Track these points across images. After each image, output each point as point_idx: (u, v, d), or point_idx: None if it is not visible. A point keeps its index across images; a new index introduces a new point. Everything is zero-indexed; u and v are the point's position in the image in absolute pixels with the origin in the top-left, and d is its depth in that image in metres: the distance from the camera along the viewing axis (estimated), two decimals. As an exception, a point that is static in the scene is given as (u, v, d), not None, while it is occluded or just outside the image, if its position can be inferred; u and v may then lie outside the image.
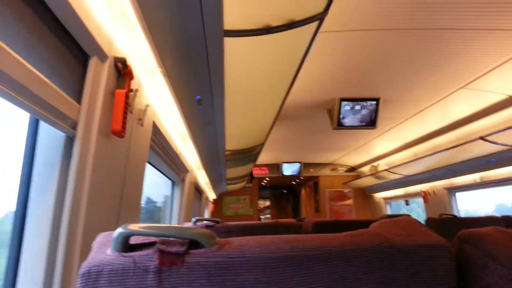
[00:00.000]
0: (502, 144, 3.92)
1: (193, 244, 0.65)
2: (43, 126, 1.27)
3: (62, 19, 1.15)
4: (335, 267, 0.66)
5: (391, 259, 0.68)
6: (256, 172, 9.63)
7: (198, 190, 5.78)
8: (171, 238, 0.65)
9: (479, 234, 0.75)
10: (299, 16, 1.52)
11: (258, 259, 0.64)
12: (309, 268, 0.65)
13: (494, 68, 3.03)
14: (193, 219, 2.34)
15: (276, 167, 9.62)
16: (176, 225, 0.67)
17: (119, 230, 0.64)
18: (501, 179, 4.77)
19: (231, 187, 8.51)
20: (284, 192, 17.24)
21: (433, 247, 0.69)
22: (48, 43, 1.15)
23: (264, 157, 8.33)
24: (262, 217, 18.87)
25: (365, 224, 0.86)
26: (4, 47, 0.89)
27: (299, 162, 9.36)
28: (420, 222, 0.78)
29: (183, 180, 4.12)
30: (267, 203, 19.32)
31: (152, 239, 0.67)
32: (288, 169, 9.52)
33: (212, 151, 3.74)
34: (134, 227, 0.63)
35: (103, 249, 0.66)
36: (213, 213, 9.63)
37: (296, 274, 0.65)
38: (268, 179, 11.40)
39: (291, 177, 10.23)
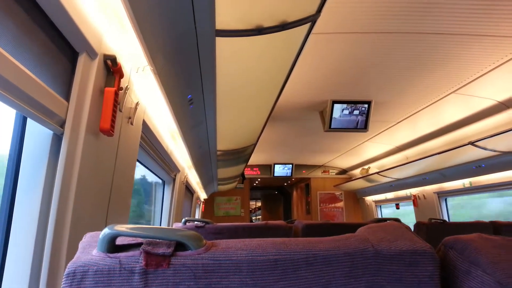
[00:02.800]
0: (492, 150, 3.95)
1: (180, 246, 0.65)
2: (31, 123, 1.26)
3: (50, 15, 1.14)
4: (320, 271, 0.66)
5: (376, 264, 0.68)
6: (248, 173, 9.63)
7: (189, 190, 5.77)
8: (157, 240, 0.65)
9: (463, 240, 0.75)
10: (291, 18, 1.52)
11: (244, 262, 0.64)
12: (295, 271, 0.65)
13: (484, 74, 3.06)
14: (183, 220, 2.33)
15: (268, 168, 9.63)
16: (163, 227, 0.66)
17: (106, 230, 0.63)
18: (490, 185, 4.81)
19: (223, 187, 8.50)
20: (276, 193, 17.26)
21: (418, 253, 0.69)
22: (36, 39, 1.13)
23: (256, 158, 8.34)
24: (253, 218, 18.90)
25: (355, 227, 0.86)
26: (-10, 42, 0.88)
27: (291, 164, 9.39)
28: (407, 227, 0.79)
29: (173, 180, 4.10)
30: (259, 204, 19.35)
31: (139, 240, 0.67)
32: (280, 170, 9.54)
33: (203, 150, 3.73)
34: (121, 227, 0.62)
35: (89, 250, 0.66)
36: (204, 213, 9.61)
37: (282, 278, 0.64)
38: (259, 179, 11.41)
39: (283, 178, 10.26)
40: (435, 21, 2.37)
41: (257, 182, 12.30)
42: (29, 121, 1.25)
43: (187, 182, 4.75)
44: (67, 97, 1.30)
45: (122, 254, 0.63)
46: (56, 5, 1.09)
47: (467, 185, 5.20)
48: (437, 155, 4.65)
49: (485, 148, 3.94)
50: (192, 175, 5.26)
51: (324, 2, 1.49)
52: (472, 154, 4.27)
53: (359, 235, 0.74)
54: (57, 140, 1.28)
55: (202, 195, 8.07)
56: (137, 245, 0.65)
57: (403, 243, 0.71)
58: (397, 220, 2.58)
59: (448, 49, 2.73)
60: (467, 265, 0.71)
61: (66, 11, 1.13)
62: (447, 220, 5.74)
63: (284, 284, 0.64)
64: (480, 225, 2.93)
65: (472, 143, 3.90)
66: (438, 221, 3.00)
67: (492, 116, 3.76)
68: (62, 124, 1.28)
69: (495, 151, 3.97)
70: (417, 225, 3.00)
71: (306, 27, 1.64)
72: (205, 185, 6.58)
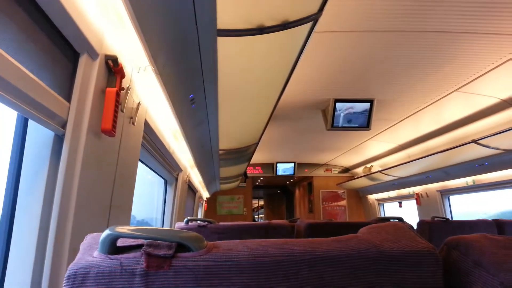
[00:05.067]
0: (495, 148, 3.94)
1: (181, 247, 0.65)
2: (32, 124, 1.26)
3: (51, 16, 1.13)
4: (322, 272, 0.66)
5: (378, 265, 0.68)
6: (250, 172, 9.63)
7: (191, 189, 5.77)
8: (159, 241, 0.65)
9: (467, 240, 0.75)
10: (293, 17, 1.51)
11: (245, 263, 0.64)
12: (297, 272, 0.65)
13: (487, 72, 3.05)
14: (186, 219, 2.32)
15: (271, 166, 9.63)
16: (164, 228, 0.66)
17: (107, 232, 0.63)
18: (494, 183, 4.79)
19: (225, 186, 8.51)
20: (278, 192, 17.27)
21: (421, 254, 0.69)
22: (37, 40, 1.13)
23: (258, 157, 8.34)
24: (256, 216, 18.92)
25: (358, 226, 0.86)
26: (-10, 44, 0.88)
27: (294, 162, 9.38)
28: (409, 228, 0.78)
29: (176, 179, 4.10)
30: (261, 202, 19.37)
31: (140, 241, 0.66)
32: (283, 169, 9.53)
33: (205, 150, 3.73)
34: (122, 229, 0.62)
35: (90, 251, 0.65)
36: (207, 212, 9.62)
37: (283, 279, 0.64)
38: (262, 178, 11.41)
39: (286, 177, 10.26)
40: (437, 20, 2.36)
41: (259, 181, 12.31)
42: (30, 122, 1.25)
43: (189, 181, 4.75)
44: (68, 98, 1.30)
45: (123, 256, 0.63)
46: (56, 6, 1.09)
47: (470, 183, 5.18)
48: (440, 153, 4.64)
49: (488, 146, 3.92)
50: (194, 174, 5.26)
51: (326, 1, 1.48)
52: (475, 152, 4.26)
53: (361, 236, 0.74)
54: (58, 141, 1.28)
55: (205, 194, 8.07)
56: (138, 247, 0.65)
57: (405, 243, 0.71)
58: (400, 219, 2.58)
59: (451, 47, 2.72)
60: (470, 265, 0.71)
61: (66, 12, 1.12)
62: (450, 218, 5.73)
63: (287, 286, 0.64)
64: (483, 223, 2.92)
65: (475, 141, 3.88)
66: (441, 219, 2.99)
67: (495, 114, 3.74)
68: (64, 125, 1.28)
69: (498, 149, 3.95)
70: (420, 223, 2.99)
71: (307, 26, 1.63)
72: (208, 184, 6.59)
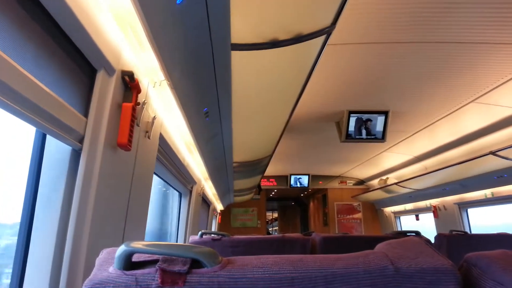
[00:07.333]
0: (514, 160, 3.86)
1: (196, 262, 0.64)
2: (50, 139, 1.28)
3: (70, 34, 1.16)
4: None
5: (396, 282, 0.66)
6: (264, 184, 9.61)
7: (205, 201, 5.78)
8: (173, 256, 0.64)
9: (487, 257, 0.72)
10: (306, 30, 1.52)
11: (260, 279, 0.63)
12: None
13: (505, 82, 3.00)
14: (200, 232, 2.32)
15: (284, 179, 9.59)
16: (179, 243, 0.66)
17: (122, 247, 0.63)
18: (513, 195, 4.68)
19: (239, 198, 8.50)
20: (292, 204, 17.15)
21: (439, 271, 0.67)
22: (55, 57, 1.16)
23: (272, 169, 8.31)
24: (270, 229, 18.79)
25: (374, 240, 0.85)
26: (11, 62, 0.90)
27: (308, 174, 9.33)
28: (427, 243, 0.76)
29: (190, 192, 4.11)
30: (275, 215, 19.25)
31: (155, 256, 0.66)
32: (296, 181, 9.49)
33: (219, 162, 3.74)
34: (137, 244, 0.62)
35: (106, 266, 0.66)
36: (221, 225, 9.60)
37: None
38: (276, 190, 11.37)
39: (300, 189, 10.20)
40: (451, 30, 2.34)
41: (273, 193, 12.27)
42: (48, 137, 1.28)
43: (203, 193, 4.76)
44: (85, 113, 1.32)
45: (138, 272, 0.63)
46: (75, 24, 1.12)
47: (489, 195, 5.07)
48: (457, 165, 4.55)
49: (507, 158, 3.84)
50: (208, 187, 5.27)
51: (340, 14, 1.49)
52: (493, 164, 4.17)
53: (378, 252, 0.73)
54: (75, 155, 1.30)
55: (219, 206, 8.07)
56: (153, 262, 0.65)
57: (423, 260, 0.69)
58: (418, 233, 2.53)
59: (467, 57, 2.69)
60: (491, 283, 0.68)
61: (84, 29, 1.15)
62: (469, 231, 5.60)
63: None
64: (503, 237, 2.84)
65: (493, 153, 3.81)
66: (459, 233, 2.92)
67: (513, 125, 3.68)
68: (81, 140, 1.30)
69: (517, 161, 3.87)
70: (438, 237, 2.93)
71: (321, 39, 1.64)
72: (222, 196, 6.59)
